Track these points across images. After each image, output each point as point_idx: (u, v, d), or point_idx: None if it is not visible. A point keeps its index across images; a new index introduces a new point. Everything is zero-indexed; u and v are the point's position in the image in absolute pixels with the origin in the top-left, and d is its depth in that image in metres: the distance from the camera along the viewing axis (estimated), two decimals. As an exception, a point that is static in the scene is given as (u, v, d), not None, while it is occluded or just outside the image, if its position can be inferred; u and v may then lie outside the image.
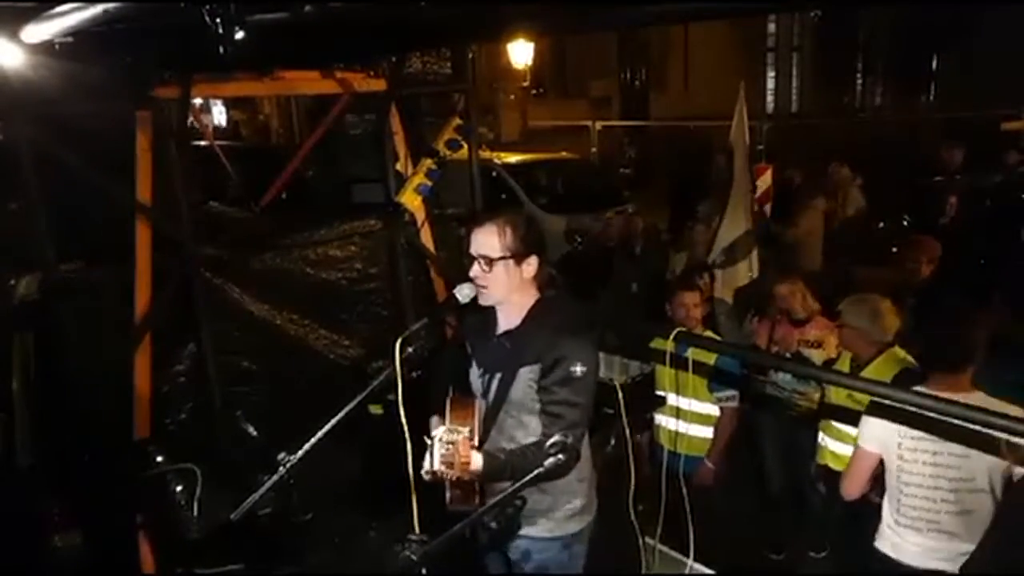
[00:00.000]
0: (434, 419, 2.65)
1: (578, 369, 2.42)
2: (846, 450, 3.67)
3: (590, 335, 2.60)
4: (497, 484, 2.46)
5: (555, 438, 2.11)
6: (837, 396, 3.79)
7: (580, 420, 2.46)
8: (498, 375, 2.57)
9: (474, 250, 2.50)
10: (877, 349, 3.58)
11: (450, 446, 2.17)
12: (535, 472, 2.08)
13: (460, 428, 2.25)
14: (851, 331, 3.65)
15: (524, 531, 2.62)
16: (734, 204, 6.08)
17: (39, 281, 3.53)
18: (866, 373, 3.52)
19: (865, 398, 3.18)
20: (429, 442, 2.26)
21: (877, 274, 5.73)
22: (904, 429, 2.81)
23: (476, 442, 2.41)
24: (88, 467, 3.51)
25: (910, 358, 3.57)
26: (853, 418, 3.46)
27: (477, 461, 2.26)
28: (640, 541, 2.96)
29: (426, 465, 2.25)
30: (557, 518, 2.62)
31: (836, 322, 3.77)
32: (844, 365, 3.78)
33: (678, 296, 4.13)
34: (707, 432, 4.07)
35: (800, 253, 6.90)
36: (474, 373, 2.72)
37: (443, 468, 2.16)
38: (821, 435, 3.90)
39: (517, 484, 2.13)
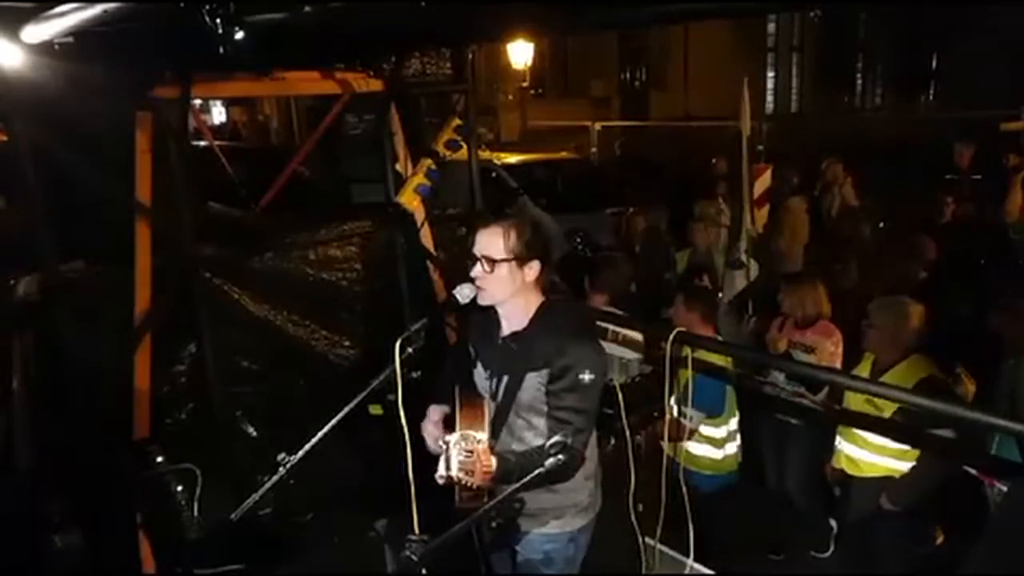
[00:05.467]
0: (432, 408, 2.67)
1: (587, 376, 2.43)
2: (862, 455, 3.71)
3: (597, 339, 2.62)
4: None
5: (556, 438, 2.12)
6: (855, 402, 3.76)
7: (586, 425, 2.48)
8: (505, 378, 2.57)
9: (477, 250, 2.50)
10: (901, 353, 3.59)
11: (470, 455, 2.16)
12: (536, 472, 2.09)
13: (476, 435, 2.24)
14: (876, 332, 3.64)
15: (532, 529, 2.65)
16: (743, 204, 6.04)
17: (39, 281, 3.52)
18: (889, 378, 3.52)
19: (884, 404, 3.36)
20: (443, 446, 2.25)
21: (873, 274, 5.72)
22: None
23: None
24: (88, 467, 3.51)
25: (934, 367, 3.56)
26: (871, 423, 3.56)
27: (495, 467, 2.26)
28: (640, 541, 2.97)
29: (441, 469, 2.23)
30: (565, 515, 2.65)
31: (864, 322, 3.73)
32: (863, 369, 3.75)
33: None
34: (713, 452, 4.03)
35: (783, 254, 6.91)
36: (479, 374, 2.71)
37: (462, 475, 2.15)
38: (838, 439, 3.87)
39: (519, 484, 2.13)
